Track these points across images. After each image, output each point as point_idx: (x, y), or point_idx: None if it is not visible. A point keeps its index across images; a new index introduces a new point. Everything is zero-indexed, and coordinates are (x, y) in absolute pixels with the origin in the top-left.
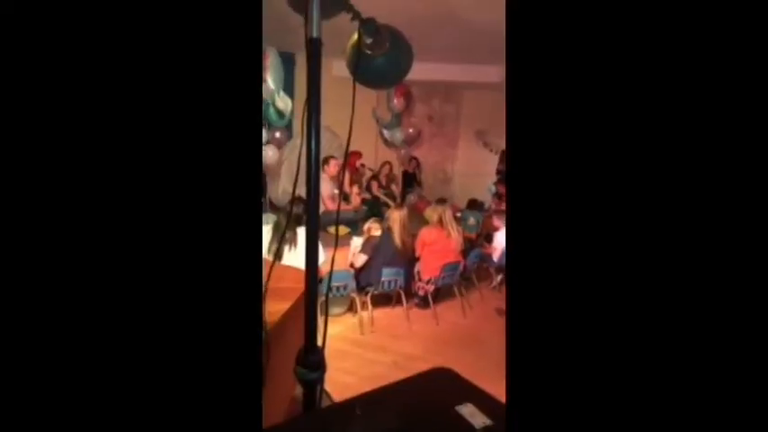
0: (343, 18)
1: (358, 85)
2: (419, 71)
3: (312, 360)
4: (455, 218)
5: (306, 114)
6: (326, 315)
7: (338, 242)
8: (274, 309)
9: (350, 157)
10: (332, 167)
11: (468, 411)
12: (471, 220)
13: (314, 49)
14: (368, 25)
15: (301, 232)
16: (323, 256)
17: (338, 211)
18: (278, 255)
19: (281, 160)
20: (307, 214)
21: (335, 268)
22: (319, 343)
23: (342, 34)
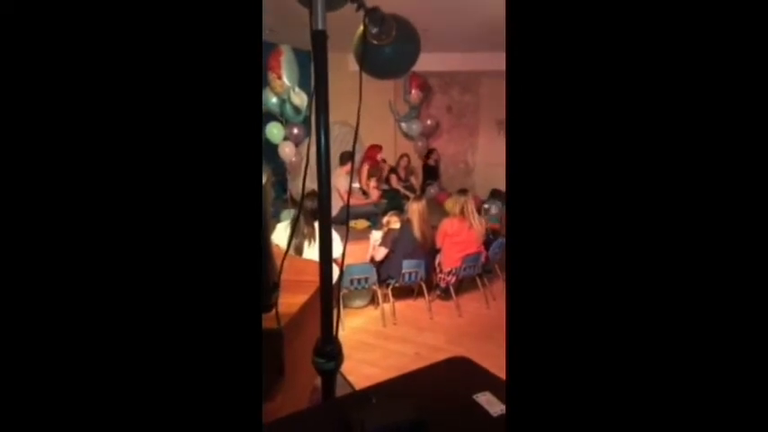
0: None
1: (375, 78)
2: (437, 61)
3: (328, 350)
4: (477, 208)
5: (314, 106)
6: (339, 306)
7: (357, 236)
8: (294, 301)
9: (370, 151)
10: (349, 166)
11: (486, 399)
12: (494, 210)
13: (318, 41)
14: (373, 14)
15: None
16: (341, 249)
17: (347, 206)
18: (298, 249)
19: (300, 156)
20: (319, 208)
21: (357, 261)
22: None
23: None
